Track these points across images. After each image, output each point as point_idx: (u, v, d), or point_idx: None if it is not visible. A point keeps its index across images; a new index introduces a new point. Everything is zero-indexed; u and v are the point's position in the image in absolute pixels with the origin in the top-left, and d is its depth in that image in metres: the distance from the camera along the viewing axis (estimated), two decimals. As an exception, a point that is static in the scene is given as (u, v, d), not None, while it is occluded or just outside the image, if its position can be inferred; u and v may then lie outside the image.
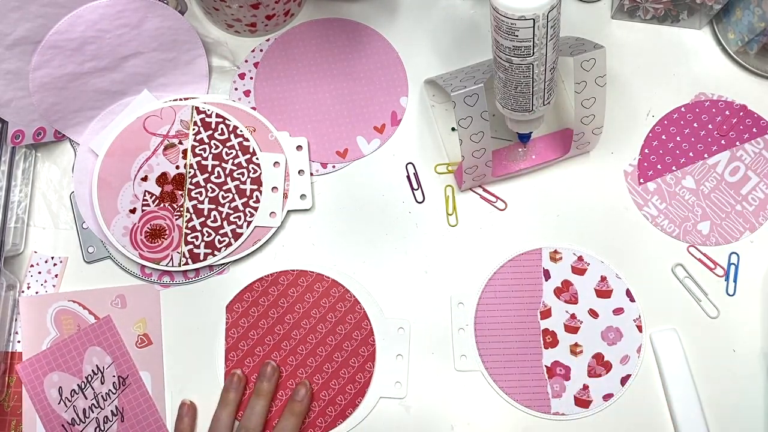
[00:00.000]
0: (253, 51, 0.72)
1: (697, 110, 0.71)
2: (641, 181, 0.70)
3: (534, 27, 0.52)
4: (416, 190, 0.70)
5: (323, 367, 0.66)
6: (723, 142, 0.70)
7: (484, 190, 0.70)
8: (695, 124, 0.71)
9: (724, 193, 0.69)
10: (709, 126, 0.71)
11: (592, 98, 0.62)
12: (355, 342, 0.67)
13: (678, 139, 0.70)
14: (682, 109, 0.71)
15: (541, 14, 0.51)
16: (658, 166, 0.70)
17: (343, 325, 0.67)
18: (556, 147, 0.69)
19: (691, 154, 0.70)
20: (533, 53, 0.54)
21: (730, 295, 0.67)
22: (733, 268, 0.68)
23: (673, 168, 0.70)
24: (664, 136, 0.71)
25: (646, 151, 0.70)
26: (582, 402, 0.65)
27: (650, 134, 0.71)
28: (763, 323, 0.67)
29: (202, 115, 0.69)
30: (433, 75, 0.69)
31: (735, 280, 0.68)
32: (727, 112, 0.71)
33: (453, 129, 0.71)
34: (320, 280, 0.68)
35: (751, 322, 0.67)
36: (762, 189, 0.69)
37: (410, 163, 0.71)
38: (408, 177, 0.71)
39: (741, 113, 0.71)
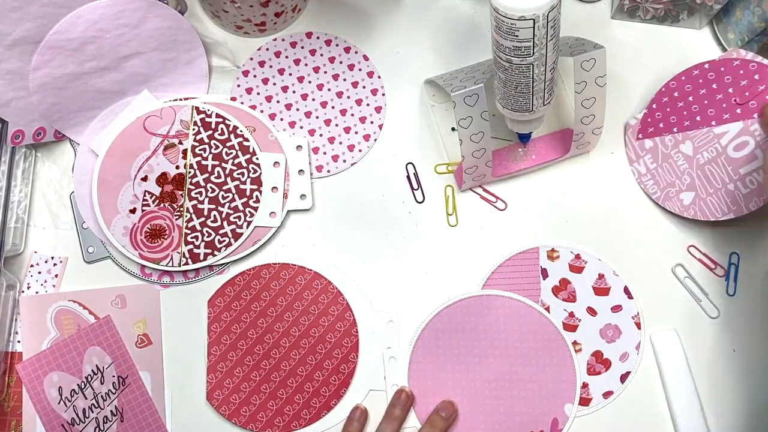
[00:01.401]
0: (259, 49, 0.72)
1: (722, 69, 0.63)
2: (639, 136, 0.68)
3: (534, 27, 0.52)
4: (416, 190, 0.70)
5: (307, 359, 0.66)
6: (739, 111, 0.62)
7: (484, 190, 0.70)
8: (714, 85, 0.63)
9: (720, 168, 0.64)
10: (730, 90, 0.63)
11: (592, 98, 0.62)
12: (339, 333, 0.67)
13: (690, 99, 0.64)
14: (706, 65, 0.64)
15: (541, 14, 0.51)
16: (661, 125, 0.66)
17: (326, 316, 0.67)
18: (556, 147, 0.69)
19: (698, 118, 0.64)
20: (533, 53, 0.54)
21: (730, 295, 0.68)
22: (733, 268, 0.68)
23: (675, 130, 0.65)
24: (676, 93, 0.65)
25: (654, 106, 0.67)
26: (582, 400, 0.65)
27: (663, 89, 0.67)
28: (763, 323, 0.67)
29: (202, 115, 0.69)
30: (433, 75, 0.69)
31: (735, 280, 0.68)
32: (756, 77, 0.61)
33: (453, 129, 0.71)
34: (302, 273, 0.68)
35: (751, 322, 0.67)
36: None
37: (410, 163, 0.71)
38: (408, 177, 0.71)
39: None
